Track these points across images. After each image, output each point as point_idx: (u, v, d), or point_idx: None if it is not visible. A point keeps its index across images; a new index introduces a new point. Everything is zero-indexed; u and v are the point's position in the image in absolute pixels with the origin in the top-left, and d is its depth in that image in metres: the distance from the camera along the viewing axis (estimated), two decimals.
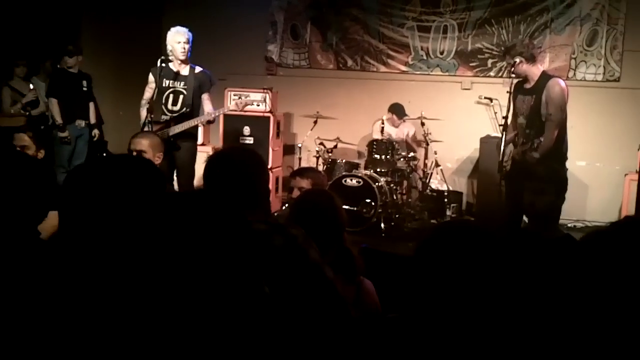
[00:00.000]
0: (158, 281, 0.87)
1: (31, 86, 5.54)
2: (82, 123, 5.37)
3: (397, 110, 5.95)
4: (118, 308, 0.92)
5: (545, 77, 3.76)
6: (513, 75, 3.80)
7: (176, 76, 4.17)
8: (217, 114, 4.23)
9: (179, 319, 0.87)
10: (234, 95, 5.83)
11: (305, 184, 2.74)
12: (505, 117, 3.83)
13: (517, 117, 3.84)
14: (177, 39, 4.11)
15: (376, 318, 1.50)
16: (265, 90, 5.89)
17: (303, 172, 2.93)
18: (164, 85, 4.15)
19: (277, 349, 0.98)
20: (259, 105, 5.86)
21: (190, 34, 4.18)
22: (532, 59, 3.72)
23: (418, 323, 1.13)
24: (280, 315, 1.13)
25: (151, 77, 4.17)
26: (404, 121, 6.03)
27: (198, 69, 4.25)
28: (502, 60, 6.21)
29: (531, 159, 3.62)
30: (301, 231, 1.61)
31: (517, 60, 3.67)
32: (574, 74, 6.09)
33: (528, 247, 2.38)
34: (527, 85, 3.78)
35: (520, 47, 3.74)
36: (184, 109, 4.15)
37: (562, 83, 3.71)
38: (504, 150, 3.66)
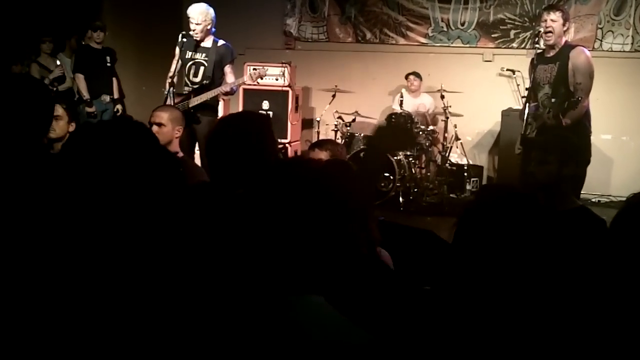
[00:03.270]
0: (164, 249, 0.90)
1: (58, 62, 5.64)
2: (107, 98, 5.53)
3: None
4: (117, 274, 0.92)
5: (567, 46, 3.74)
6: (537, 46, 3.76)
7: (197, 48, 4.24)
8: (234, 86, 4.26)
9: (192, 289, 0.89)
10: (253, 69, 5.80)
11: (323, 155, 2.72)
12: (529, 89, 3.77)
13: (540, 87, 3.79)
14: (190, 19, 4.16)
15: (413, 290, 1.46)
16: (283, 65, 5.87)
17: (321, 144, 2.91)
18: (186, 57, 4.22)
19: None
20: (277, 80, 5.85)
21: (208, 11, 4.15)
22: (567, 20, 3.74)
23: (460, 296, 1.06)
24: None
25: (176, 50, 4.25)
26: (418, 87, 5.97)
27: (220, 42, 4.29)
28: (525, 31, 6.08)
29: (561, 123, 3.48)
30: None
31: (559, 17, 3.63)
32: (600, 44, 5.91)
33: (537, 219, 2.33)
34: (549, 54, 3.75)
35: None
36: (204, 80, 4.21)
37: (586, 51, 3.71)
38: (526, 121, 3.61)
